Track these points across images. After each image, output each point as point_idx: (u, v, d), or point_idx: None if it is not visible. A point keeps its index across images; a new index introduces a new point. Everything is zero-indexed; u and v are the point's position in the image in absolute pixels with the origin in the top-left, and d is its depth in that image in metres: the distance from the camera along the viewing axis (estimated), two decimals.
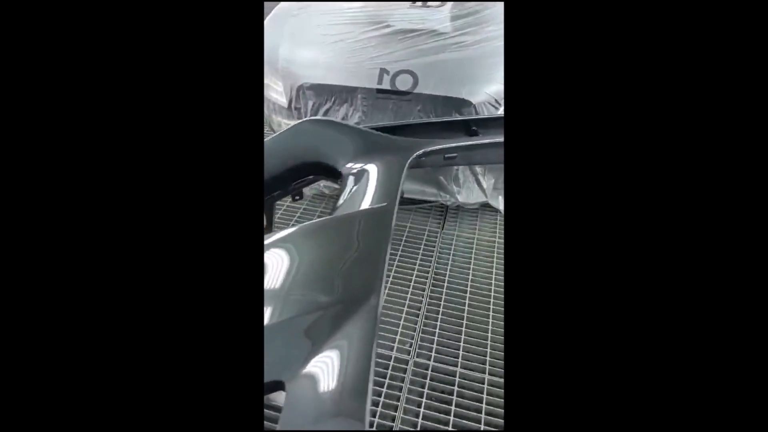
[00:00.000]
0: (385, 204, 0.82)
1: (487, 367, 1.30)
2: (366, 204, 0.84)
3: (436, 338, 1.39)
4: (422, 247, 1.77)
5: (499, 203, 1.82)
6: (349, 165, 0.98)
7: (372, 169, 0.93)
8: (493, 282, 1.60)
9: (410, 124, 1.23)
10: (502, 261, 1.69)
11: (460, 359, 1.33)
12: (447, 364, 1.31)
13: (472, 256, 1.72)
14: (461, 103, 1.44)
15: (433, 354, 1.34)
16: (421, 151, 1.04)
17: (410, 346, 1.37)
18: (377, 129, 1.12)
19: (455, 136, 1.17)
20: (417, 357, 1.34)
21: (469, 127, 1.18)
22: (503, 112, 1.45)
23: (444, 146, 1.07)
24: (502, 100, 1.45)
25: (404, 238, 1.81)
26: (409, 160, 0.99)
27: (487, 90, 1.45)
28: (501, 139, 1.15)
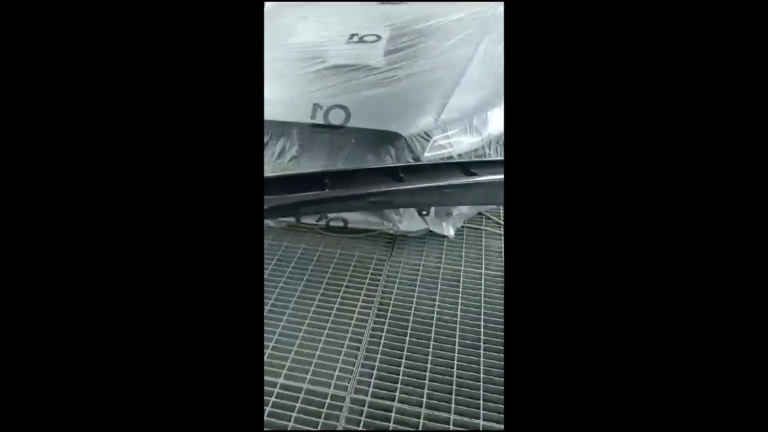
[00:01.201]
0: None
1: (425, 400, 1.29)
2: None
3: (375, 372, 1.38)
4: (368, 276, 1.77)
5: (443, 229, 1.84)
6: None
7: None
8: (435, 309, 1.60)
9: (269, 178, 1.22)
10: (446, 287, 1.70)
11: (397, 393, 1.31)
12: (384, 399, 1.30)
13: (417, 284, 1.72)
14: (392, 136, 1.47)
15: (371, 389, 1.33)
16: None
17: (348, 382, 1.35)
18: None
19: (310, 189, 1.17)
20: (354, 393, 1.32)
21: (323, 181, 1.19)
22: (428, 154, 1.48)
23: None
24: (432, 132, 1.49)
25: (351, 268, 1.81)
26: None
27: (418, 123, 1.48)
28: (343, 193, 1.18)
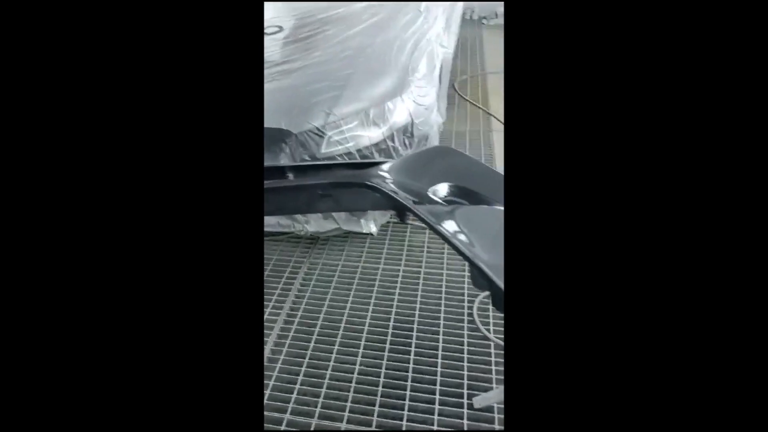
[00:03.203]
0: None
1: (318, 409, 1.24)
2: None
3: (271, 383, 1.32)
4: (284, 279, 1.70)
5: (362, 227, 1.78)
6: None
7: None
8: (346, 312, 1.55)
9: None
10: (360, 288, 1.64)
11: (291, 404, 1.26)
12: (277, 412, 1.24)
13: (332, 285, 1.66)
14: (282, 134, 1.39)
15: (264, 401, 1.27)
16: None
17: None
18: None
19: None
20: None
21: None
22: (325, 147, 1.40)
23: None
24: (325, 128, 1.41)
25: (267, 272, 1.74)
26: None
27: (308, 119, 1.41)
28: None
